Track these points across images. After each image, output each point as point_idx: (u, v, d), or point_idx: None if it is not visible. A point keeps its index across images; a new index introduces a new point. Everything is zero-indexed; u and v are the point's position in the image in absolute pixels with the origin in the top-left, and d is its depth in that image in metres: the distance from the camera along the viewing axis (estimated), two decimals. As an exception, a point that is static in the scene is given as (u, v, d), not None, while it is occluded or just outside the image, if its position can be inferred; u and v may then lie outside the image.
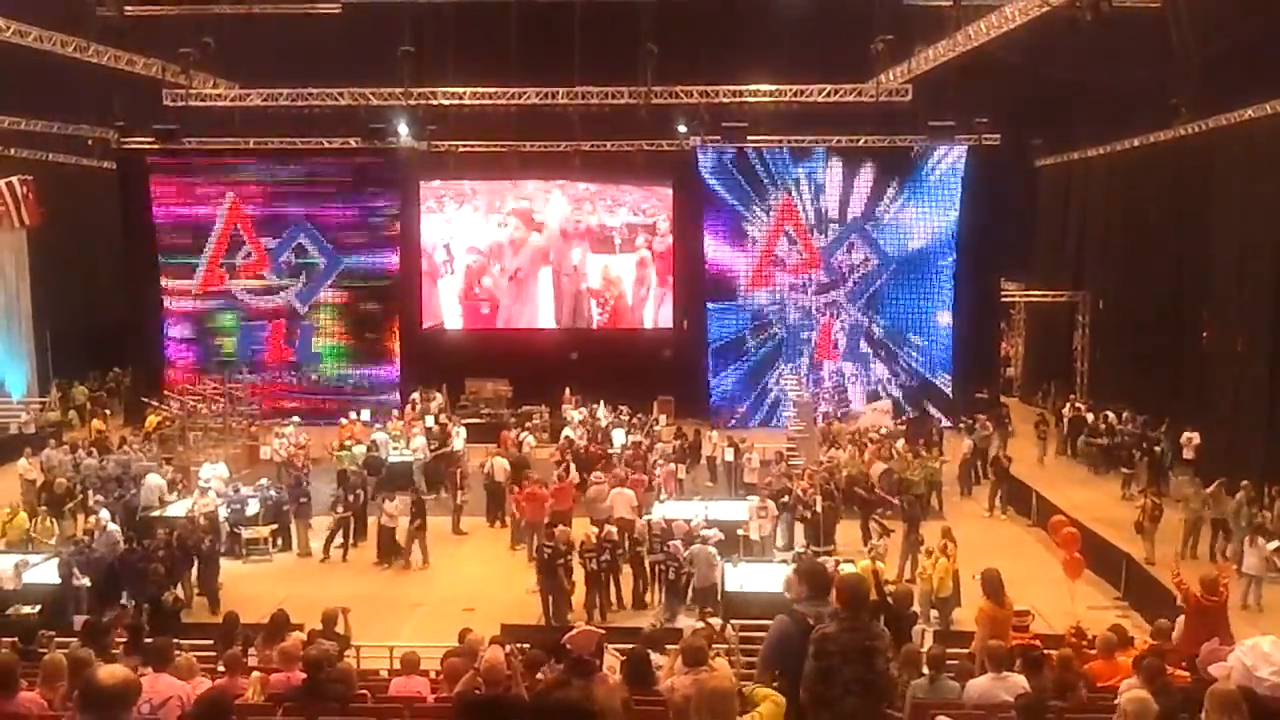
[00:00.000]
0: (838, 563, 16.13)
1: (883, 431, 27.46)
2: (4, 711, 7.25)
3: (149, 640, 10.14)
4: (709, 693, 4.80)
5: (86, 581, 17.50)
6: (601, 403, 29.67)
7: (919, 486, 23.16)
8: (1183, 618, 12.44)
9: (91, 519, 20.18)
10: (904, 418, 30.15)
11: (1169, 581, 14.39)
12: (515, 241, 33.37)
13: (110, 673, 3.98)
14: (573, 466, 24.31)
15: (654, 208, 33.40)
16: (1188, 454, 25.53)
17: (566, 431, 27.31)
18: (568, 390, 30.49)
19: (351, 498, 21.92)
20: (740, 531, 20.13)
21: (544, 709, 3.40)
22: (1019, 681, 8.85)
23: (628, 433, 27.56)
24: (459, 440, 26.75)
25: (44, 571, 18.06)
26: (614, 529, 19.05)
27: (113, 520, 19.91)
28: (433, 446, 26.31)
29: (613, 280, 33.49)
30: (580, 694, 3.40)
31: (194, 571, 19.15)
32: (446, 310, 33.79)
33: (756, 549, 19.97)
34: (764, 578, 17.22)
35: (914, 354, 32.33)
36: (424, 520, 21.03)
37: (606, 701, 3.59)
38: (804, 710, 6.24)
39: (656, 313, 33.60)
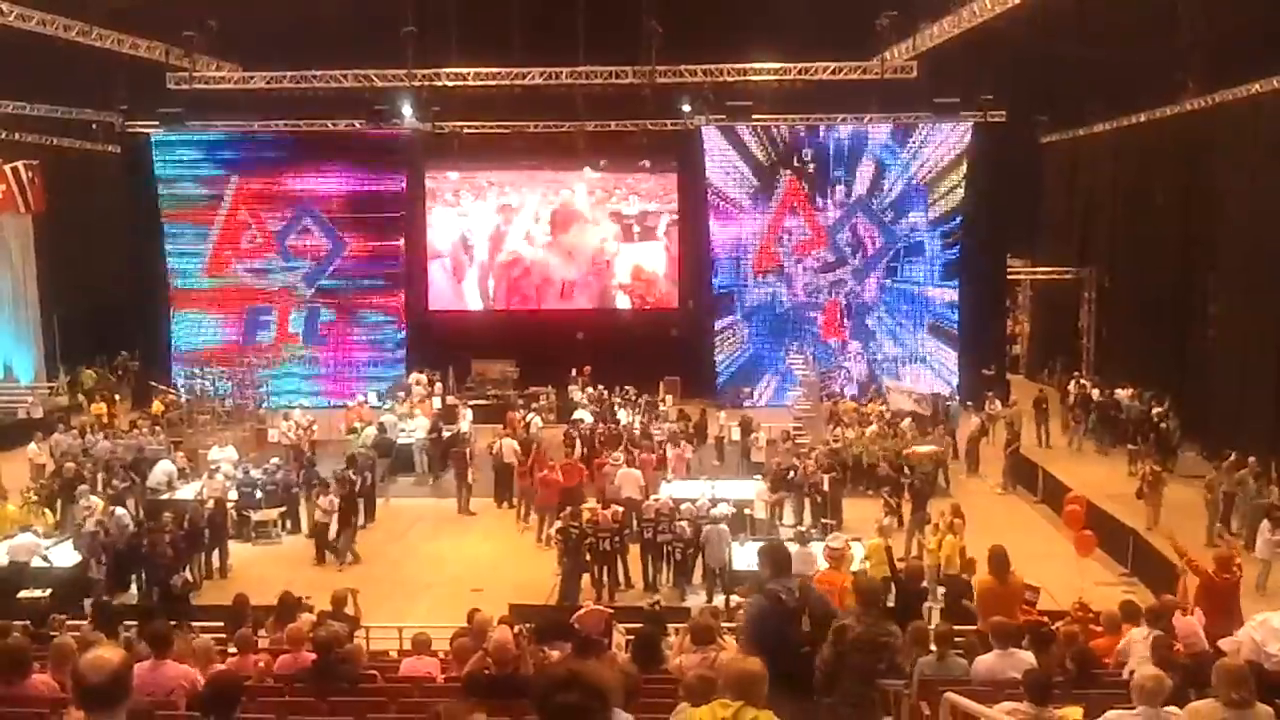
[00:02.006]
0: (846, 541, 16.21)
1: (890, 413, 27.38)
2: (16, 694, 7.30)
3: (150, 626, 10.17)
4: (737, 674, 4.81)
5: (100, 576, 17.66)
6: (592, 386, 29.76)
7: (926, 465, 23.14)
8: (1192, 594, 12.46)
9: (82, 501, 20.08)
10: (915, 396, 30.06)
11: (1170, 553, 14.38)
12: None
13: (96, 667, 3.72)
14: (579, 444, 24.40)
15: (659, 189, 33.27)
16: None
17: (579, 413, 27.37)
18: (574, 371, 30.49)
19: (360, 480, 21.94)
20: (747, 511, 20.17)
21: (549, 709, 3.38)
22: (1026, 658, 8.88)
23: (632, 412, 27.61)
24: (465, 422, 26.78)
25: (55, 555, 18.16)
26: (619, 509, 19.15)
27: (121, 504, 20.01)
28: (439, 426, 26.34)
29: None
30: (582, 695, 3.37)
31: (204, 555, 19.33)
32: (467, 292, 33.78)
33: (763, 528, 20.00)
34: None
35: (920, 332, 32.26)
36: (352, 519, 20.67)
37: (605, 679, 3.59)
38: (816, 688, 6.97)
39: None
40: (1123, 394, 28.45)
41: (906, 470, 22.48)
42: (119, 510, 19.26)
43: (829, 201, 31.93)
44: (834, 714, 7.27)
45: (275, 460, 23.23)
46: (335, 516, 20.34)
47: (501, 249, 33.49)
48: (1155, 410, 26.45)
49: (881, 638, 7.25)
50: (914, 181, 31.70)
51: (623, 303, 33.68)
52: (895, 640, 7.40)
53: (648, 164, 32.96)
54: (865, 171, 31.77)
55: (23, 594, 16.35)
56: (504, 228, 33.39)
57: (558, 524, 18.91)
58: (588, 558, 18.18)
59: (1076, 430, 28.60)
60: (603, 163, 32.93)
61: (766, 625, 6.46)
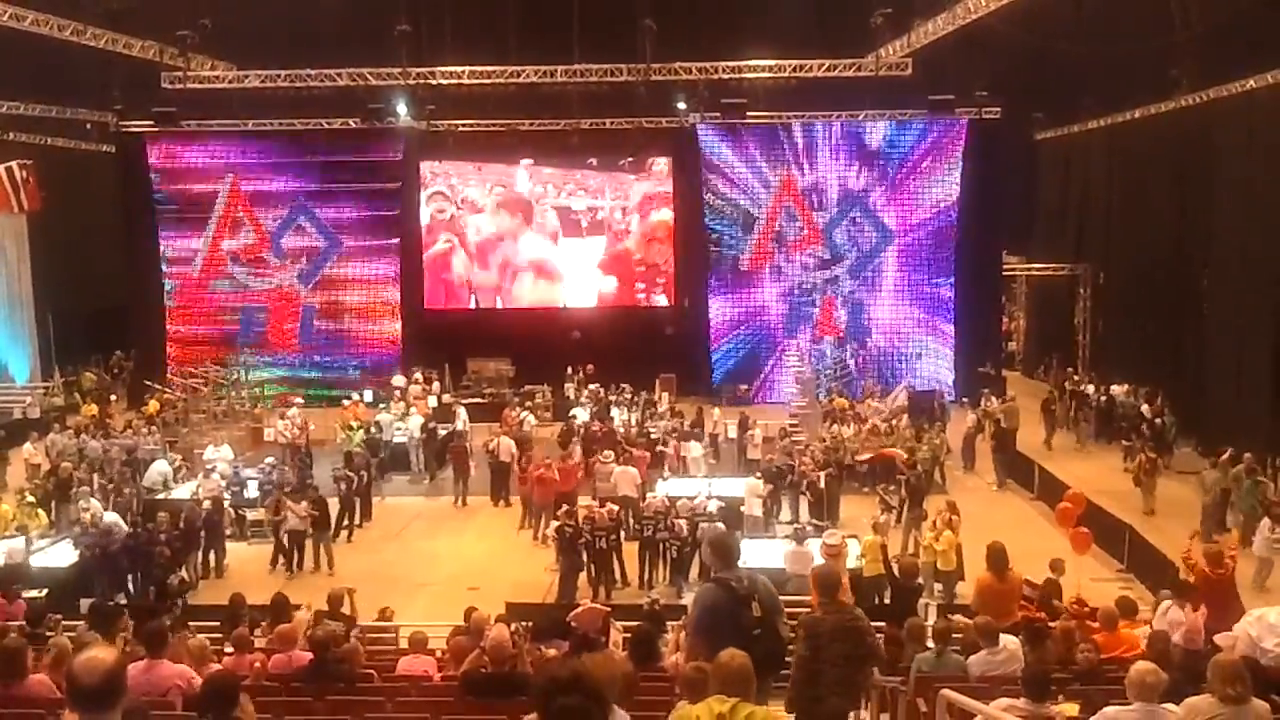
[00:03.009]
0: (843, 538, 16.22)
1: (887, 410, 27.35)
2: (14, 695, 7.30)
3: (145, 626, 10.16)
4: (727, 669, 4.82)
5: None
6: (590, 384, 29.76)
7: (925, 463, 23.14)
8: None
9: (81, 503, 20.05)
10: (908, 391, 30.01)
11: (1171, 552, 14.41)
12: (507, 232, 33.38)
13: (89, 668, 3.67)
14: (576, 442, 24.40)
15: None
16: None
17: (575, 411, 27.39)
18: (570, 369, 30.48)
19: (356, 478, 21.94)
20: (743, 508, 20.17)
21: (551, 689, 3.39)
22: (1013, 652, 8.95)
23: (629, 411, 27.61)
24: (460, 422, 26.72)
25: (52, 555, 18.13)
26: (614, 507, 19.17)
27: (114, 506, 19.99)
28: (431, 425, 26.32)
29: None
30: (583, 679, 3.39)
31: (199, 554, 19.31)
32: (448, 291, 33.78)
33: (758, 525, 20.01)
34: (766, 553, 17.37)
35: (915, 329, 32.24)
36: (326, 527, 20.05)
37: (605, 674, 3.63)
38: (793, 682, 7.46)
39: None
40: (1118, 390, 28.47)
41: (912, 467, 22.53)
42: (108, 516, 19.19)
43: (824, 199, 31.91)
44: (824, 705, 7.47)
45: (270, 460, 23.19)
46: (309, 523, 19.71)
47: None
48: (1145, 407, 26.48)
49: (855, 622, 7.61)
50: (909, 179, 31.68)
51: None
52: (865, 623, 7.72)
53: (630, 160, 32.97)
54: (860, 169, 31.76)
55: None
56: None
57: (554, 523, 18.92)
58: (584, 556, 18.18)
59: (1087, 427, 28.54)
60: (593, 160, 32.97)
61: (719, 612, 6.71)
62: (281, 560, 19.68)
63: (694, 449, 24.27)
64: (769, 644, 6.57)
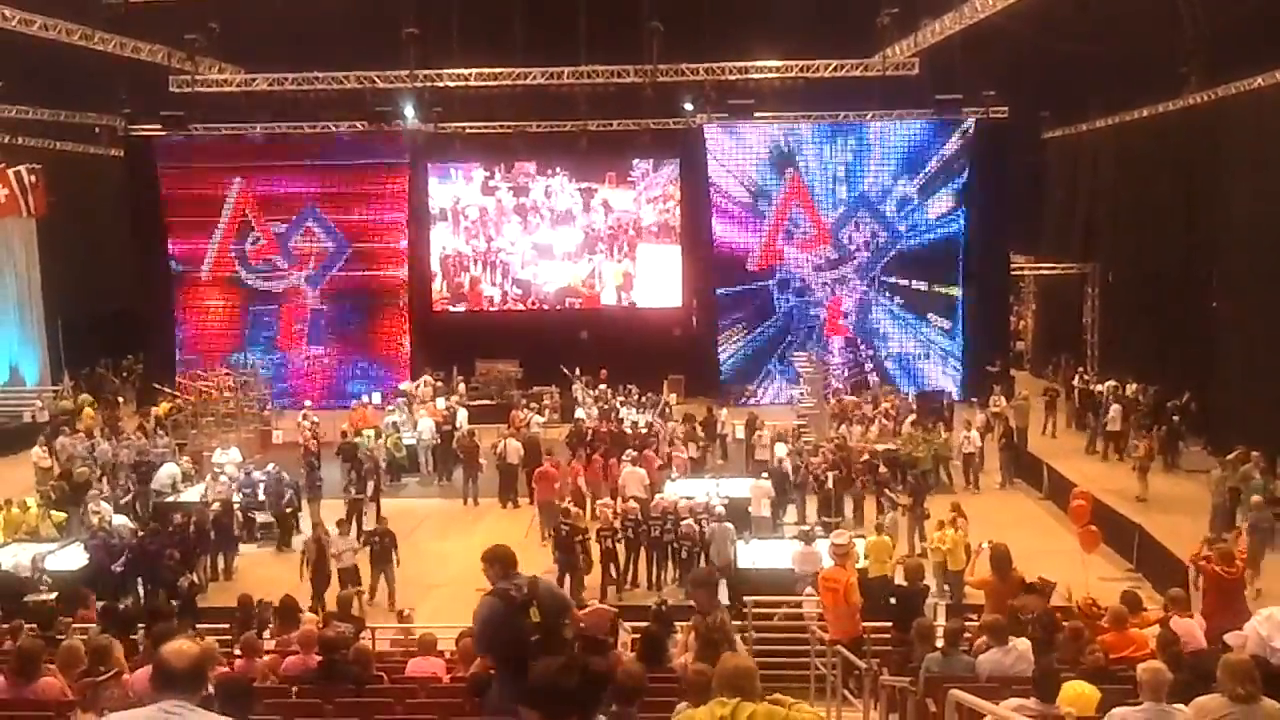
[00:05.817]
0: (851, 537, 16.19)
1: (894, 410, 27.32)
2: (23, 697, 7.34)
3: (155, 629, 10.18)
4: (731, 670, 4.82)
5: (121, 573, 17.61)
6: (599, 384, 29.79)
7: (925, 462, 23.15)
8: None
9: (91, 506, 20.04)
10: (915, 392, 30.00)
11: (1181, 552, 14.38)
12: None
13: (178, 652, 4.17)
14: (584, 444, 24.41)
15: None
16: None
17: (579, 412, 27.39)
18: (578, 370, 30.47)
19: (372, 484, 21.97)
20: (750, 509, 20.17)
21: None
22: (1023, 653, 8.94)
23: (638, 412, 27.61)
24: (463, 425, 26.71)
25: (61, 559, 18.15)
26: (627, 504, 19.18)
27: (124, 509, 20.01)
28: (446, 428, 26.33)
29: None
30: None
31: (209, 556, 19.34)
32: (455, 293, 33.85)
33: (765, 526, 20.02)
34: (774, 554, 17.38)
35: (923, 328, 32.23)
36: (389, 559, 18.20)
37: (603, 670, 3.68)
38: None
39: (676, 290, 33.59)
40: (1126, 389, 28.40)
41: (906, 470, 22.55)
42: (117, 519, 19.22)
43: (832, 199, 31.89)
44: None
45: (271, 466, 22.95)
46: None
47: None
48: (1116, 409, 26.55)
49: (724, 618, 8.60)
50: (916, 178, 31.65)
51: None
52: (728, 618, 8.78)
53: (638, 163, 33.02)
54: (867, 168, 31.72)
55: (29, 597, 16.32)
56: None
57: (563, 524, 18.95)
58: (581, 557, 18.12)
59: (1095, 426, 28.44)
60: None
61: (497, 623, 6.63)
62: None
63: (779, 450, 23.59)
64: (551, 648, 6.56)
